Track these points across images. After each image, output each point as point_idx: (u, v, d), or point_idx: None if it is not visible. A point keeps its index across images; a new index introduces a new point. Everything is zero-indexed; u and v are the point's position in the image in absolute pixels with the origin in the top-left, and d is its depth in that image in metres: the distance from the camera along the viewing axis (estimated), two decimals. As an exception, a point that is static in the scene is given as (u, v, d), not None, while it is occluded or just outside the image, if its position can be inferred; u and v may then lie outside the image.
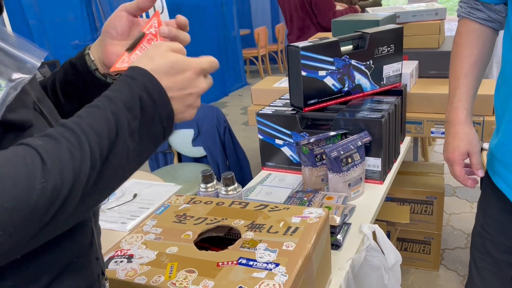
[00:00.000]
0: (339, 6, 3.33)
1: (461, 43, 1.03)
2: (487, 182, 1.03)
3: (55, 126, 0.46)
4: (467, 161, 1.04)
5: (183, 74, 0.54)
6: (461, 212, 2.52)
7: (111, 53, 0.64)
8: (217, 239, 0.90)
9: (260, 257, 0.73)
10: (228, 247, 0.78)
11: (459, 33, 1.05)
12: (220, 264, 0.73)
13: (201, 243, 0.88)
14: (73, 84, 0.66)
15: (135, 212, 1.34)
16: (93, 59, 0.65)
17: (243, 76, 6.34)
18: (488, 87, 1.70)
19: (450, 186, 2.80)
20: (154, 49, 0.56)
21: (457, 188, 2.80)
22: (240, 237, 0.81)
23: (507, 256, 1.01)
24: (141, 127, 0.50)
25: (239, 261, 0.73)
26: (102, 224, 0.90)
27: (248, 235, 0.81)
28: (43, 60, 0.48)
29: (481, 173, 1.02)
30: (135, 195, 1.45)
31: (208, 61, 0.57)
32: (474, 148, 1.01)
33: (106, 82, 0.66)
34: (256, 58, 6.53)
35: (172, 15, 4.46)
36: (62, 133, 0.44)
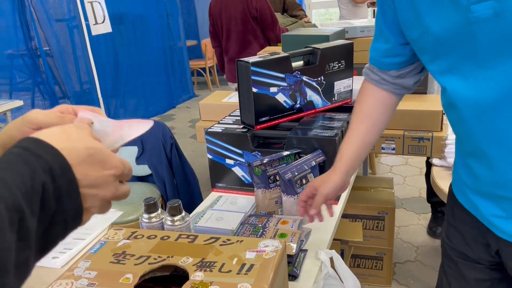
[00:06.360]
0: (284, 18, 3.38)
1: (357, 100, 1.07)
2: (451, 195, 1.01)
3: None
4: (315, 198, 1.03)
5: (102, 169, 0.44)
6: (409, 224, 2.56)
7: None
8: (162, 277, 0.80)
9: (212, 304, 0.64)
10: (174, 292, 0.68)
11: (359, 92, 1.10)
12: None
13: (144, 283, 0.77)
14: None
15: (68, 244, 1.19)
16: None
17: (190, 87, 6.20)
18: (434, 103, 1.72)
19: (397, 198, 2.85)
20: (75, 128, 0.45)
21: (404, 200, 2.86)
22: (187, 275, 0.71)
23: (465, 262, 1.01)
24: (38, 227, 0.38)
25: (187, 310, 0.64)
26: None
27: (197, 276, 0.71)
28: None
29: (312, 212, 1.02)
30: (70, 224, 1.30)
31: (129, 166, 0.48)
32: (323, 190, 1.01)
33: None
34: (204, 69, 6.43)
35: (114, 25, 4.28)
36: None
